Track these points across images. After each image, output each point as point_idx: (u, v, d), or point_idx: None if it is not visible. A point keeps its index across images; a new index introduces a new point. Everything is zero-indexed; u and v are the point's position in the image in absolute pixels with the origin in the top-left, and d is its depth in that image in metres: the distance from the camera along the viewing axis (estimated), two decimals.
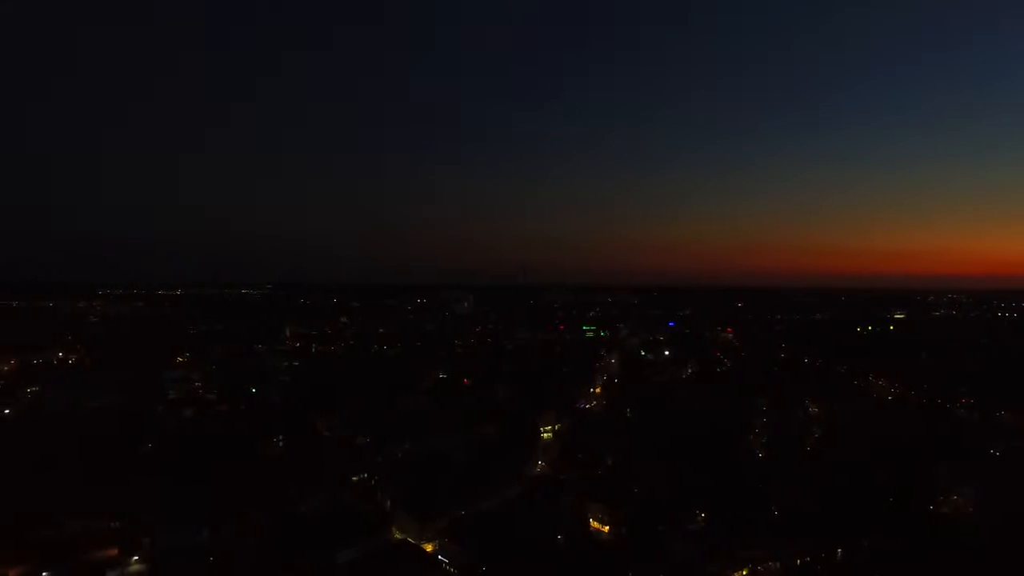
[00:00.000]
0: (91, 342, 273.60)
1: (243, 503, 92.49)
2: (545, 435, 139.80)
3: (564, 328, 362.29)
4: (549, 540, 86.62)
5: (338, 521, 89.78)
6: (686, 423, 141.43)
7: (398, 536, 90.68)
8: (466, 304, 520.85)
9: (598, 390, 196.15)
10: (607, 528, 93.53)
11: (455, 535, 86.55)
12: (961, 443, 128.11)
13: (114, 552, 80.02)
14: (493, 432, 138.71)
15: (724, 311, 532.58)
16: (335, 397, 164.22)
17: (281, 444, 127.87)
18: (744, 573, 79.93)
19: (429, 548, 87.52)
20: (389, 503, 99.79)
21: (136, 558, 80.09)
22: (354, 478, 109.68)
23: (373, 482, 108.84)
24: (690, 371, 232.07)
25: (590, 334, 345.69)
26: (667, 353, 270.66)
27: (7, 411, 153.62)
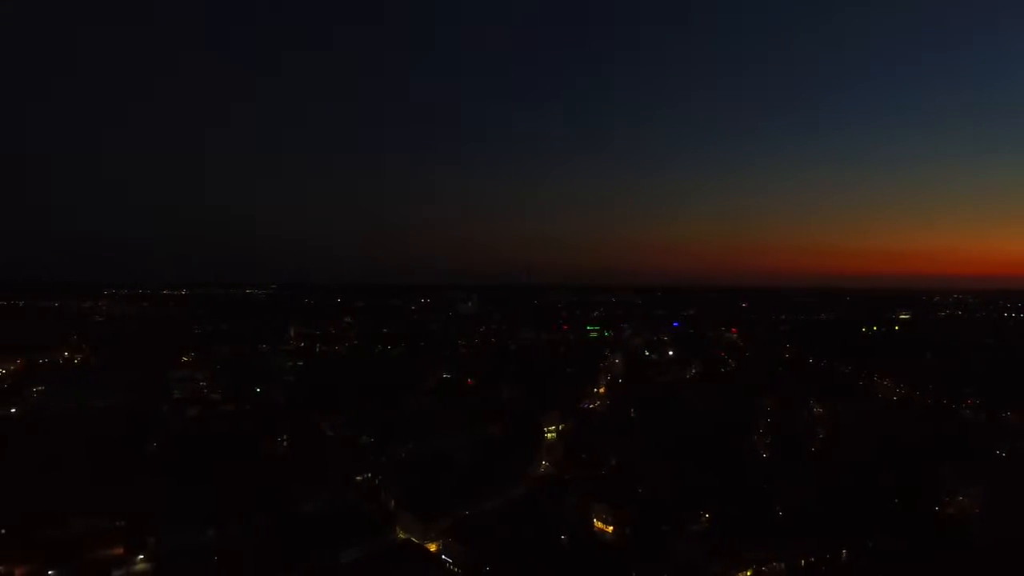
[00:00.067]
0: (96, 342, 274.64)
1: (247, 503, 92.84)
2: (549, 435, 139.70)
3: (568, 328, 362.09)
4: (553, 540, 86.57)
5: (342, 521, 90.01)
6: (690, 423, 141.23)
7: (402, 536, 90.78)
8: (470, 304, 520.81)
9: (602, 390, 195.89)
10: (611, 528, 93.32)
11: (459, 535, 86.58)
12: (967, 444, 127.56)
13: (119, 551, 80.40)
14: (497, 432, 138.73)
15: (728, 311, 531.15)
16: (339, 397, 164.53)
17: (285, 444, 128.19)
18: (749, 574, 79.68)
19: (433, 548, 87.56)
20: (393, 503, 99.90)
21: (141, 557, 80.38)
22: (358, 478, 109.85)
23: (377, 482, 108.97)
24: (694, 371, 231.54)
25: (594, 334, 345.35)
26: (671, 353, 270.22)
27: (13, 410, 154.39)
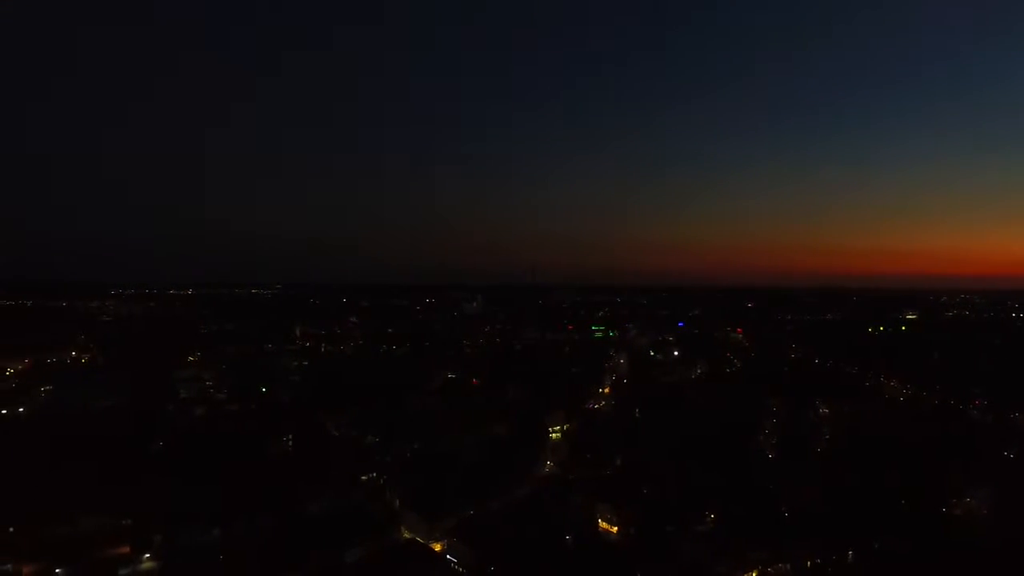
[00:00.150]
0: (103, 342, 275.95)
1: (253, 502, 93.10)
2: (554, 435, 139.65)
3: (573, 328, 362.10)
4: (558, 540, 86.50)
5: (347, 520, 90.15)
6: (696, 423, 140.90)
7: (407, 535, 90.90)
8: (475, 304, 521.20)
9: (607, 390, 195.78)
10: (616, 529, 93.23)
11: (463, 535, 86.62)
12: (974, 445, 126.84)
13: (126, 550, 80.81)
14: (502, 432, 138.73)
15: (733, 311, 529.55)
16: (344, 397, 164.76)
17: (290, 444, 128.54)
18: (754, 574, 79.52)
19: (437, 548, 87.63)
20: (398, 503, 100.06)
21: (147, 556, 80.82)
22: (363, 477, 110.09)
23: (382, 481, 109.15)
24: (699, 371, 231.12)
25: (599, 334, 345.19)
26: (676, 353, 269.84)
27: (21, 410, 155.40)
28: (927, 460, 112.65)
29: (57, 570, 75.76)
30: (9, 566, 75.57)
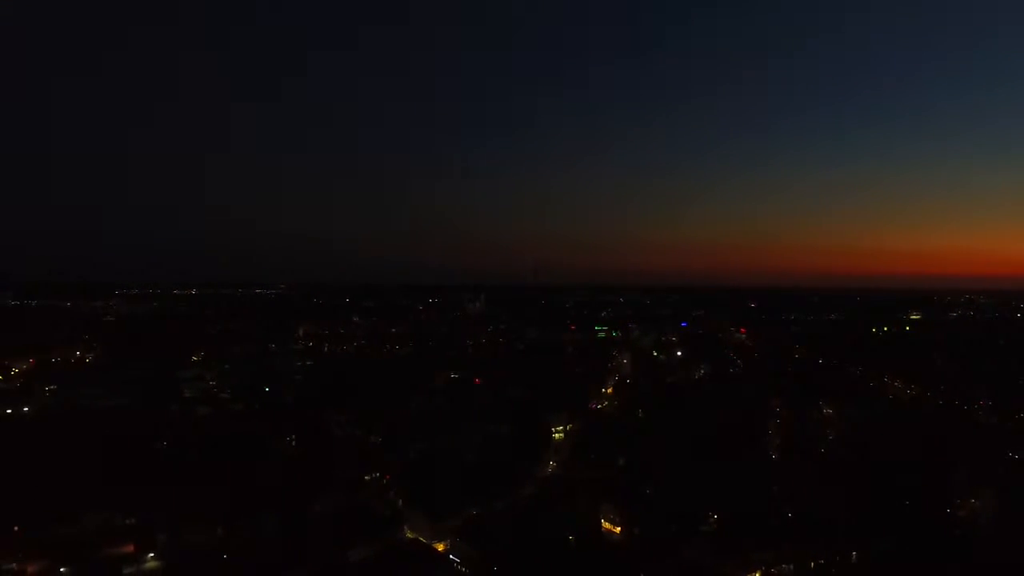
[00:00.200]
0: (108, 341, 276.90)
1: (257, 501, 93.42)
2: (557, 435, 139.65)
3: (576, 328, 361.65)
4: (561, 540, 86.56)
5: (350, 520, 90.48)
6: (699, 424, 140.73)
7: (410, 535, 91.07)
8: (478, 304, 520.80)
9: (610, 390, 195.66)
10: (619, 529, 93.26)
11: (467, 534, 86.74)
12: (978, 446, 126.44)
13: (130, 549, 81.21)
14: (505, 432, 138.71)
15: (737, 311, 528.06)
16: (347, 396, 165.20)
17: (294, 443, 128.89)
18: (757, 575, 79.40)
19: (441, 547, 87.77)
20: (401, 502, 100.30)
21: (151, 555, 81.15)
22: (366, 477, 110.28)
23: (385, 481, 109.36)
24: (703, 372, 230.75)
25: (602, 334, 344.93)
26: (679, 354, 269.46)
27: (26, 409, 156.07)
28: (931, 461, 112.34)
29: (62, 569, 76.15)
30: (14, 564, 75.97)
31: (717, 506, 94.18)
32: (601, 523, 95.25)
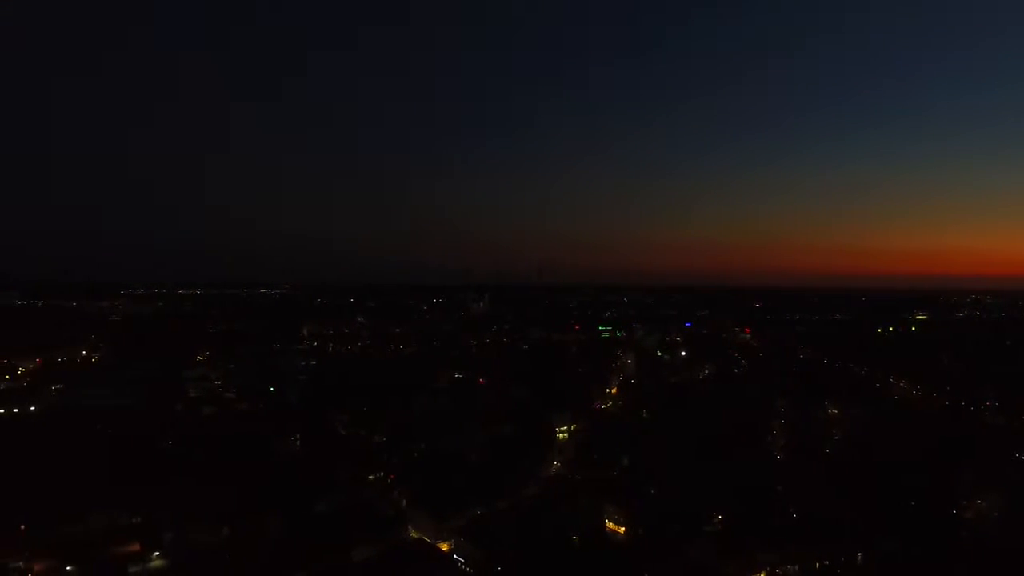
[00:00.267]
0: (113, 341, 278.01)
1: (261, 501, 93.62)
2: (561, 435, 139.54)
3: (580, 328, 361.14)
4: (565, 540, 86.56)
5: (354, 519, 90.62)
6: (703, 424, 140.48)
7: (414, 535, 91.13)
8: (482, 304, 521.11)
9: (614, 390, 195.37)
10: (623, 529, 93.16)
11: (470, 534, 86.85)
12: (985, 447, 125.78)
13: (136, 548, 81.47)
14: (509, 432, 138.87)
15: (742, 311, 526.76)
16: (352, 396, 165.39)
17: (298, 443, 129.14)
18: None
19: (445, 547, 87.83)
20: (405, 502, 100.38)
21: (157, 554, 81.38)
22: (370, 477, 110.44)
23: (389, 481, 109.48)
24: (707, 372, 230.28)
25: (606, 334, 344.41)
26: (684, 354, 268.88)
27: (33, 408, 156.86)
28: (937, 462, 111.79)
29: (68, 567, 76.45)
30: (20, 563, 76.34)
31: (721, 506, 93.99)
32: (605, 523, 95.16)
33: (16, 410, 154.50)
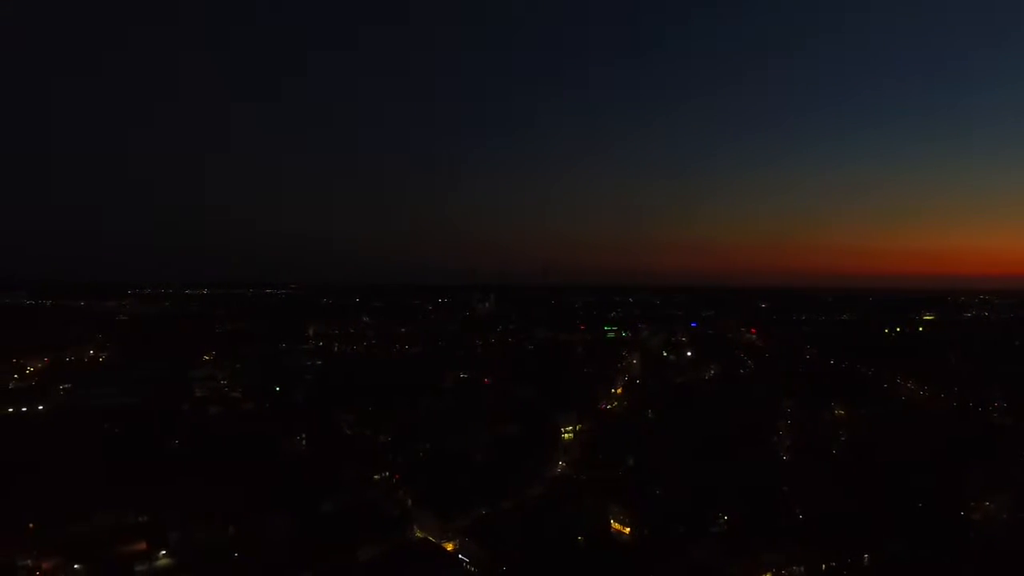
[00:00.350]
0: (121, 341, 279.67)
1: (267, 500, 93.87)
2: (566, 435, 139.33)
3: (585, 328, 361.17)
4: (570, 540, 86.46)
5: (360, 519, 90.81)
6: (709, 424, 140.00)
7: (419, 534, 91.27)
8: (487, 304, 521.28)
9: (619, 391, 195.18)
10: (628, 529, 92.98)
11: (476, 534, 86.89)
12: (993, 447, 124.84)
13: (143, 547, 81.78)
14: (514, 432, 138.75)
15: (747, 312, 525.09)
16: (357, 396, 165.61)
17: (304, 442, 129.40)
18: None
19: (450, 547, 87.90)
20: (410, 501, 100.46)
21: (163, 553, 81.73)
22: (376, 476, 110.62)
23: (394, 480, 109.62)
24: (713, 372, 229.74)
25: (611, 334, 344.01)
26: (689, 354, 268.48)
27: (41, 407, 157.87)
28: (945, 462, 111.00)
29: (75, 566, 76.88)
30: (28, 561, 76.81)
31: (727, 507, 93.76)
32: (610, 523, 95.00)
33: (24, 409, 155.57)
